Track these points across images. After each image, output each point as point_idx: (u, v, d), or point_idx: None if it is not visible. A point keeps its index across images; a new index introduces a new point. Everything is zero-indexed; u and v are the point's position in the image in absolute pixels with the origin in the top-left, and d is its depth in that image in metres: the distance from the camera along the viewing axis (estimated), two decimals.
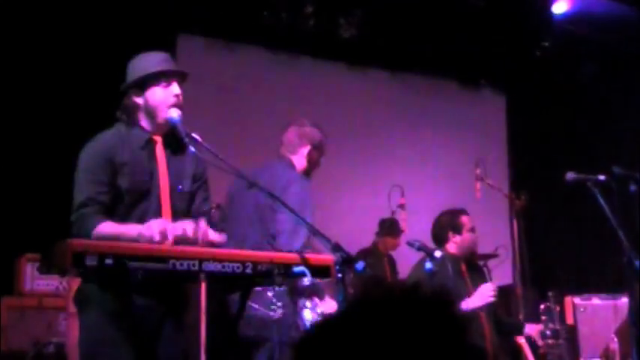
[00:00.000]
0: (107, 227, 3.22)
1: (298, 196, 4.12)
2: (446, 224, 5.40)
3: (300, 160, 4.54)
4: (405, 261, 6.88)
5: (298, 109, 8.06)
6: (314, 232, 3.16)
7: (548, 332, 5.48)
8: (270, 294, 3.34)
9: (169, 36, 6.95)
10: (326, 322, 1.34)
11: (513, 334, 5.66)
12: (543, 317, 5.66)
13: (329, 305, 3.90)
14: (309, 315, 3.88)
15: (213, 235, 3.20)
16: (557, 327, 5.57)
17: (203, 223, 3.16)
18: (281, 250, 3.94)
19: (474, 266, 5.57)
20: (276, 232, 4.12)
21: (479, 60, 8.96)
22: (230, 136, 7.00)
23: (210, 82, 7.20)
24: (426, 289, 1.30)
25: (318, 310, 3.89)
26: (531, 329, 5.55)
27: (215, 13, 7.31)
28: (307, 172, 4.55)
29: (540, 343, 5.47)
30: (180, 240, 3.12)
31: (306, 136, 4.56)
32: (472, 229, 5.39)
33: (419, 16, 8.18)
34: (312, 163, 4.58)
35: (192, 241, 3.11)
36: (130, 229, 3.18)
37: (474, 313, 5.05)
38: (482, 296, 5.06)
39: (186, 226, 3.13)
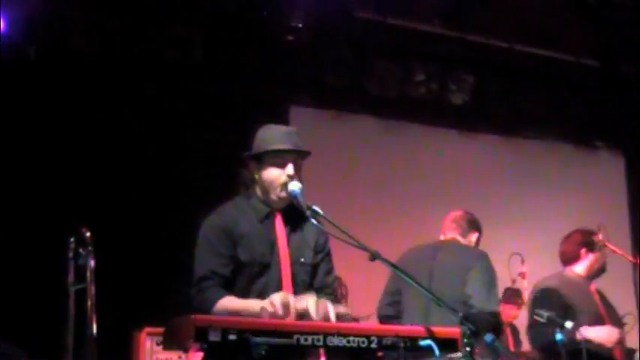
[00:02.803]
0: (228, 302, 3.20)
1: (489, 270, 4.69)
2: (580, 241, 5.18)
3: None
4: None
5: (410, 178, 7.99)
6: (441, 303, 3.05)
7: None
8: None
9: (282, 108, 7.05)
10: None
11: None
12: None
13: None
14: None
15: (336, 310, 3.13)
16: None
17: (325, 303, 3.12)
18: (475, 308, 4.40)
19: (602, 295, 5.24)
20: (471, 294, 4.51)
21: (594, 121, 8.72)
22: (343, 206, 6.95)
23: (322, 153, 7.20)
24: None
25: None
26: None
27: (325, 84, 7.38)
28: None
29: None
30: (302, 313, 3.07)
31: (474, 224, 5.09)
32: (603, 249, 5.18)
33: (530, 79, 8.05)
34: None
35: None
36: (252, 304, 3.15)
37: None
38: (606, 336, 4.88)
39: (309, 301, 3.08)
